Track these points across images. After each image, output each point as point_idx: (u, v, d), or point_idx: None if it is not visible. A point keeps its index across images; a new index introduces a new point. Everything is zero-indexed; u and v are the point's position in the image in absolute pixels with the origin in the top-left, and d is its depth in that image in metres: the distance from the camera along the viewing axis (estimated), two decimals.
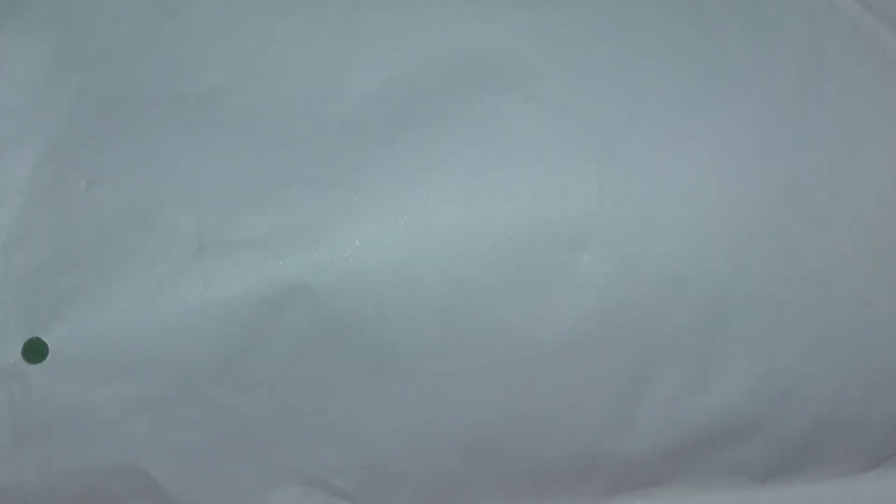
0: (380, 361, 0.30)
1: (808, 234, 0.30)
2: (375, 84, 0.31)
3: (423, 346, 0.29)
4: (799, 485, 0.32)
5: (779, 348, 0.30)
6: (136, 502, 0.30)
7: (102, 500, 0.30)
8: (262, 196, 0.30)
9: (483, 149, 0.30)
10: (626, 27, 0.31)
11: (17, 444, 0.29)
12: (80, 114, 0.31)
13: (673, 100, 0.31)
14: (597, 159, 0.30)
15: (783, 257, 0.30)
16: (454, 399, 0.30)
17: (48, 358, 0.29)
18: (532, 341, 0.30)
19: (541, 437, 0.30)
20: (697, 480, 0.31)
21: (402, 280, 0.29)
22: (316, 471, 0.30)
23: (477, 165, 0.30)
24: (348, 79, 0.31)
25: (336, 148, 0.30)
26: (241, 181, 0.30)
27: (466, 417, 0.30)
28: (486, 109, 0.30)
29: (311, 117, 0.30)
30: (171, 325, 0.29)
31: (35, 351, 0.29)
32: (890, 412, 0.32)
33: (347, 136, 0.30)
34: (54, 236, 0.30)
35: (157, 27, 0.31)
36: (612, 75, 0.31)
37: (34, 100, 0.31)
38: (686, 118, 0.31)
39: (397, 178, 0.30)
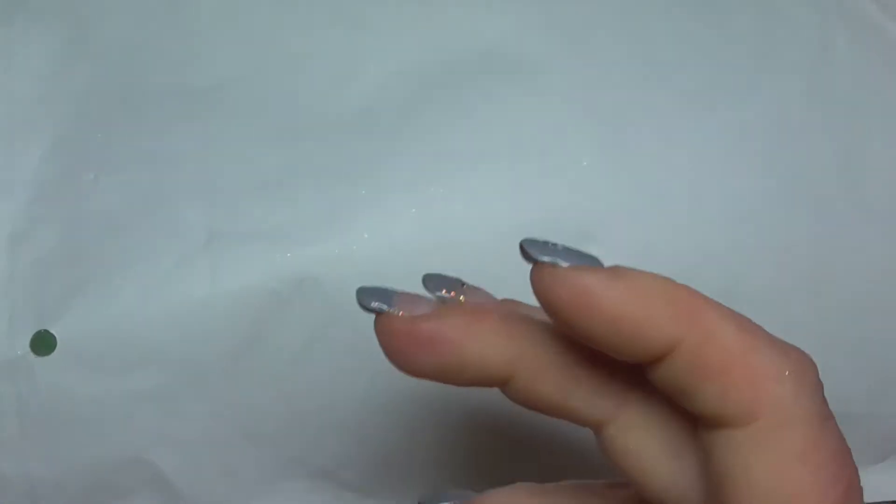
0: None
1: (816, 226, 0.30)
2: (384, 76, 0.31)
3: None
4: None
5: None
6: (144, 494, 0.30)
7: (109, 493, 0.30)
8: (270, 188, 0.30)
9: (492, 141, 0.30)
10: (635, 20, 0.31)
11: (25, 436, 0.29)
12: (88, 106, 0.31)
13: (681, 92, 0.31)
14: (605, 151, 0.30)
15: (790, 250, 0.30)
16: (462, 392, 0.30)
17: (56, 350, 0.29)
18: None
19: (550, 430, 0.30)
20: None
21: (411, 273, 0.29)
22: (323, 463, 0.30)
23: (486, 158, 0.30)
24: (357, 71, 0.31)
25: (345, 140, 0.30)
26: (248, 174, 0.30)
27: (474, 409, 0.30)
28: (496, 102, 0.30)
29: (320, 110, 0.30)
30: (179, 318, 0.29)
31: (43, 343, 0.29)
32: None
33: (356, 129, 0.30)
34: (62, 228, 0.30)
35: (165, 19, 0.31)
36: (621, 69, 0.31)
37: (42, 92, 0.31)
38: (694, 111, 0.31)
39: (406, 171, 0.30)
